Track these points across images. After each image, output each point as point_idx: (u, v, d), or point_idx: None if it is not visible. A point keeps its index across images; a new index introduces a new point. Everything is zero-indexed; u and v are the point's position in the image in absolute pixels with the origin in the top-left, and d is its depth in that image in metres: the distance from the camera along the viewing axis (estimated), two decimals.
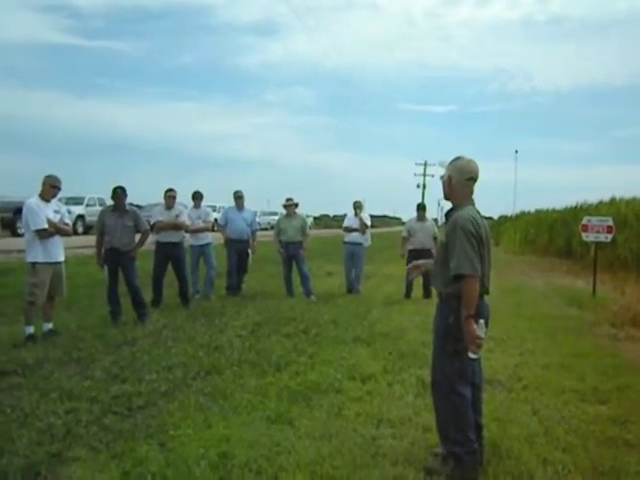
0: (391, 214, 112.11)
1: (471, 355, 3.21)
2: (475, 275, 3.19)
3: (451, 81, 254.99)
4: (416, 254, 9.30)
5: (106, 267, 7.34)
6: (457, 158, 3.49)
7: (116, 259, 7.32)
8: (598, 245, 12.61)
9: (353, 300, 9.96)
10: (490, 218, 49.41)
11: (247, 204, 10.26)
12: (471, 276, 3.18)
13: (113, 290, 7.42)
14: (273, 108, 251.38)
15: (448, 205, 3.51)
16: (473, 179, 3.45)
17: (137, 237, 7.54)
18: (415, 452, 3.63)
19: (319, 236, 29.92)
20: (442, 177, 3.54)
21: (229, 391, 4.67)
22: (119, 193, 7.35)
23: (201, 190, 9.91)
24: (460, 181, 3.43)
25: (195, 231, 9.64)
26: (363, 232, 10.90)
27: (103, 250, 7.38)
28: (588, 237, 12.38)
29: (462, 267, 3.18)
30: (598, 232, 12.08)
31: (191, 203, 10.08)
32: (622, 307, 9.29)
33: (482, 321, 3.21)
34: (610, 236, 12.11)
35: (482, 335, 3.19)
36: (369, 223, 11.07)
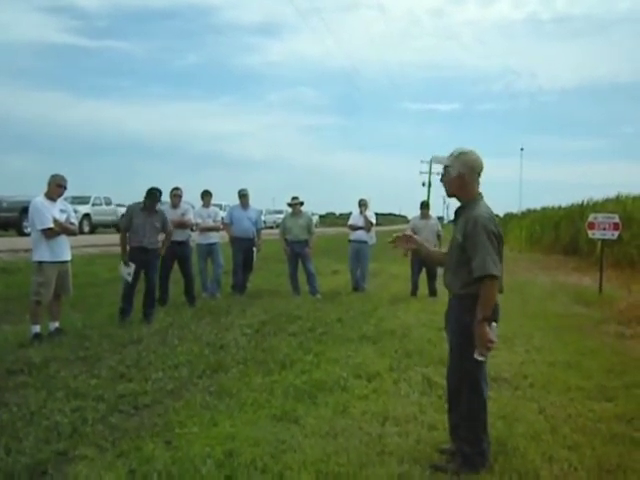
0: (397, 212, 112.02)
1: (477, 357, 3.15)
2: (498, 276, 3.12)
3: (456, 80, 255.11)
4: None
5: (132, 265, 7.31)
6: (462, 153, 3.33)
7: (143, 257, 7.37)
8: (604, 242, 12.55)
9: (359, 298, 9.96)
10: (496, 216, 49.32)
11: (252, 203, 10.28)
12: (494, 277, 3.09)
13: (132, 288, 7.40)
14: (278, 108, 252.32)
15: (454, 202, 3.38)
16: (481, 173, 3.36)
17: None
18: (421, 450, 3.62)
19: (325, 234, 29.91)
20: (443, 174, 3.39)
21: (235, 389, 4.67)
22: (156, 195, 7.43)
23: (207, 189, 9.94)
24: (472, 177, 3.32)
25: (205, 229, 9.69)
26: (368, 230, 10.92)
27: (129, 248, 7.42)
28: (594, 234, 12.30)
29: (488, 268, 3.08)
30: (604, 229, 12.01)
31: (198, 202, 10.11)
32: (629, 305, 9.28)
33: (494, 324, 3.14)
34: (616, 233, 12.04)
35: (494, 339, 3.12)
36: (374, 221, 11.08)
